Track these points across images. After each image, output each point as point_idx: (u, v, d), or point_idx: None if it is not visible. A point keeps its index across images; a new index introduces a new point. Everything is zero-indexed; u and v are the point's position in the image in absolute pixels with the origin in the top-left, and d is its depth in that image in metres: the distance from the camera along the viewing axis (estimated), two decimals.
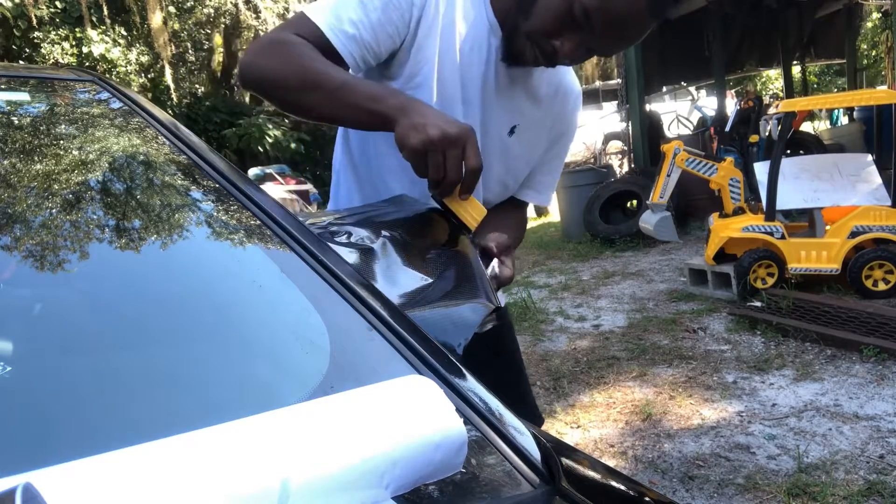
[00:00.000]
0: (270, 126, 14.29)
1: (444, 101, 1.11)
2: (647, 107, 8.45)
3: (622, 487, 0.60)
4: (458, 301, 0.80)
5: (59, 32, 12.82)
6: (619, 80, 8.56)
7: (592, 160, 9.87)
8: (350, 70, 1.06)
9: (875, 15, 11.36)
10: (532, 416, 1.44)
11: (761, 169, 4.37)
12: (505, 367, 1.39)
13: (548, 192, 1.36)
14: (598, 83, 16.50)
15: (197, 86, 16.89)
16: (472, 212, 1.00)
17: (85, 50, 12.78)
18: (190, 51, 16.22)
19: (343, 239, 0.87)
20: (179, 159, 0.85)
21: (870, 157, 4.48)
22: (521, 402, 1.42)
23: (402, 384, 0.51)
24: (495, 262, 1.05)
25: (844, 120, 10.46)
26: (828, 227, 4.20)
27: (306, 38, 1.02)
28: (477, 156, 0.93)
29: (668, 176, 4.51)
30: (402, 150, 0.93)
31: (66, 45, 12.83)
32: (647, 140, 7.82)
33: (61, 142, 0.86)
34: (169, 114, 1.10)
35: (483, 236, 1.10)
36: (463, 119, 1.11)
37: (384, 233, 0.90)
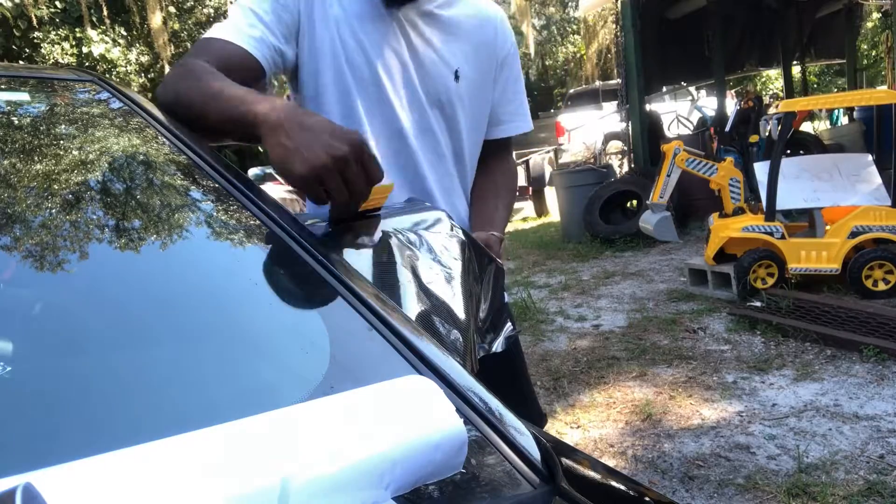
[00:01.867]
0: None
1: (361, 83, 1.12)
2: (647, 107, 8.45)
3: (622, 487, 0.60)
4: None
5: (59, 32, 12.82)
6: (619, 80, 8.56)
7: (592, 160, 9.87)
8: (266, 76, 1.09)
9: (875, 15, 11.36)
10: (536, 416, 1.45)
11: (761, 169, 4.37)
12: (507, 365, 1.39)
13: (521, 119, 1.34)
14: (598, 83, 16.50)
15: None
16: (376, 197, 0.87)
17: (85, 50, 12.78)
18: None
19: (343, 239, 0.87)
20: (179, 159, 0.85)
21: (870, 157, 4.48)
22: (523, 401, 1.42)
23: (402, 384, 0.51)
24: None
25: (844, 120, 10.46)
26: (828, 227, 4.20)
27: (215, 57, 1.03)
28: (376, 165, 0.81)
29: (668, 176, 4.52)
30: (287, 179, 0.81)
31: (66, 45, 12.83)
32: (647, 140, 7.82)
33: (61, 142, 0.86)
34: None
35: (472, 228, 1.15)
36: (394, 89, 1.13)
37: (384, 233, 0.90)
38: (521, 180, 9.08)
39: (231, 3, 14.06)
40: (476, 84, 1.22)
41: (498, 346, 0.97)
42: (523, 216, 9.81)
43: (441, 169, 1.23)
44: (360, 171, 0.80)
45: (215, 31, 1.09)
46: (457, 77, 1.18)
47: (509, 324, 1.03)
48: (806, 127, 9.41)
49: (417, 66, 1.15)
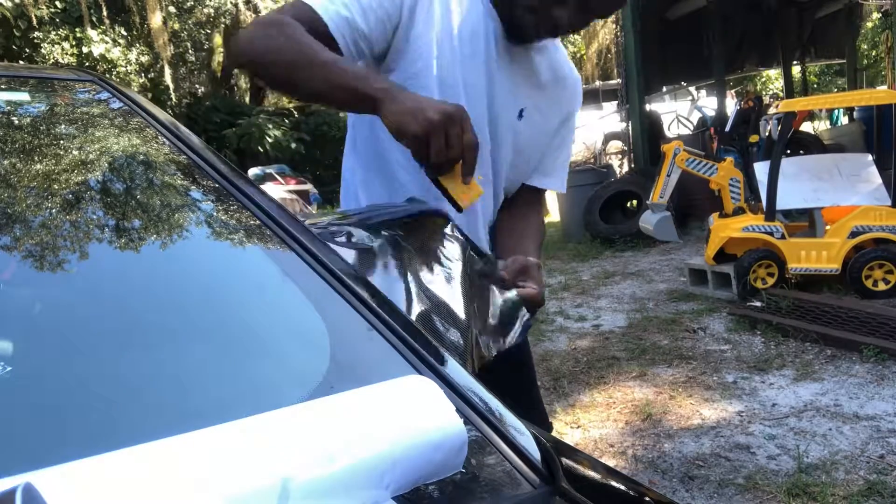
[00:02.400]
0: (270, 126, 14.29)
1: (445, 88, 1.13)
2: (647, 107, 8.45)
3: (622, 487, 0.60)
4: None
5: (59, 32, 12.81)
6: (619, 80, 8.56)
7: (592, 160, 9.87)
8: (343, 55, 1.08)
9: (875, 15, 11.36)
10: (541, 423, 1.44)
11: (761, 169, 4.37)
12: (516, 371, 1.39)
13: (561, 176, 1.35)
14: (598, 83, 16.50)
15: (197, 86, 16.90)
16: (469, 192, 1.00)
17: (85, 50, 12.78)
18: (190, 51, 16.22)
19: (343, 239, 0.87)
20: (179, 159, 0.85)
21: (870, 157, 4.48)
22: (531, 407, 1.42)
23: (402, 384, 0.51)
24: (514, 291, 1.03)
25: (844, 120, 10.46)
26: (828, 227, 4.20)
27: (300, 21, 1.04)
28: (473, 132, 0.94)
29: (668, 176, 4.51)
30: (402, 138, 0.94)
31: (66, 45, 12.82)
32: (647, 140, 7.82)
33: (61, 142, 0.86)
34: (169, 114, 1.10)
35: (503, 257, 1.12)
36: (468, 104, 1.12)
37: (385, 234, 0.90)
38: None
39: (231, 3, 14.09)
40: (537, 128, 1.25)
41: (515, 336, 0.96)
42: None
43: None
44: (459, 132, 0.92)
45: None
46: (520, 115, 1.22)
47: (524, 311, 1.01)
48: (806, 127, 9.41)
49: (490, 92, 1.17)
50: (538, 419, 1.43)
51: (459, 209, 1.01)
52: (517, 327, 0.97)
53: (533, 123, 1.24)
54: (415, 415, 0.48)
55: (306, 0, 1.07)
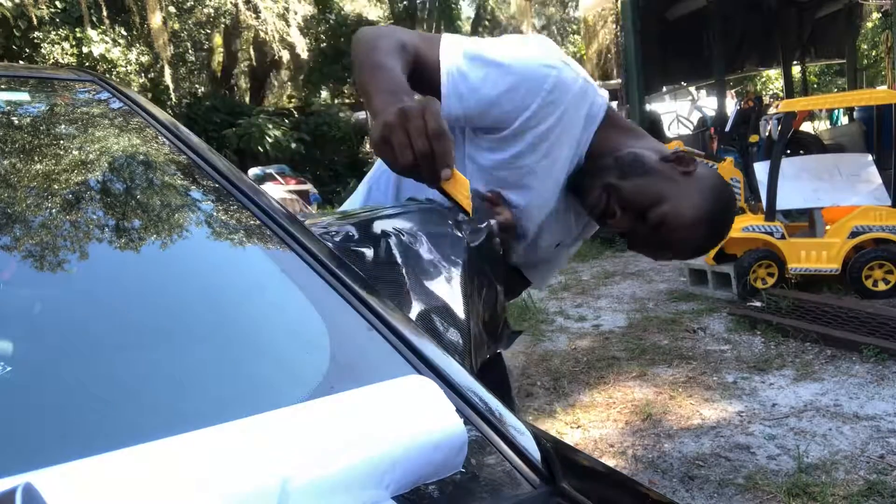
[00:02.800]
0: (270, 126, 14.29)
1: (538, 209, 1.14)
2: (647, 107, 8.45)
3: (622, 487, 0.60)
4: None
5: (59, 32, 12.81)
6: (619, 80, 8.55)
7: None
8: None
9: (875, 15, 11.35)
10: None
11: (761, 169, 4.37)
12: (493, 369, 1.37)
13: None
14: (598, 83, 16.48)
15: (197, 86, 16.90)
16: (460, 189, 0.91)
17: (85, 50, 12.78)
18: (190, 51, 16.22)
19: (343, 239, 0.87)
20: (179, 159, 0.85)
21: (870, 157, 4.48)
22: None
23: (402, 384, 0.51)
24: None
25: (844, 120, 10.46)
26: (828, 227, 4.20)
27: (418, 54, 0.99)
28: (437, 119, 0.81)
29: None
30: (374, 151, 0.87)
31: (66, 45, 12.82)
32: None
33: (61, 142, 0.86)
34: (169, 114, 1.10)
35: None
36: (536, 225, 1.17)
37: (384, 234, 0.90)
38: None
39: (231, 3, 14.09)
40: (562, 249, 1.33)
41: (503, 344, 0.97)
42: None
43: None
44: (421, 126, 0.81)
45: (450, 44, 1.02)
46: (557, 246, 1.27)
47: (509, 325, 1.03)
48: (806, 127, 9.41)
49: (546, 224, 1.18)
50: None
51: (468, 214, 0.95)
52: (504, 338, 0.98)
53: (561, 249, 1.32)
54: (415, 415, 0.48)
55: (441, 47, 1.00)
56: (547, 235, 1.21)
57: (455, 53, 1.00)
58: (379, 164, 1.22)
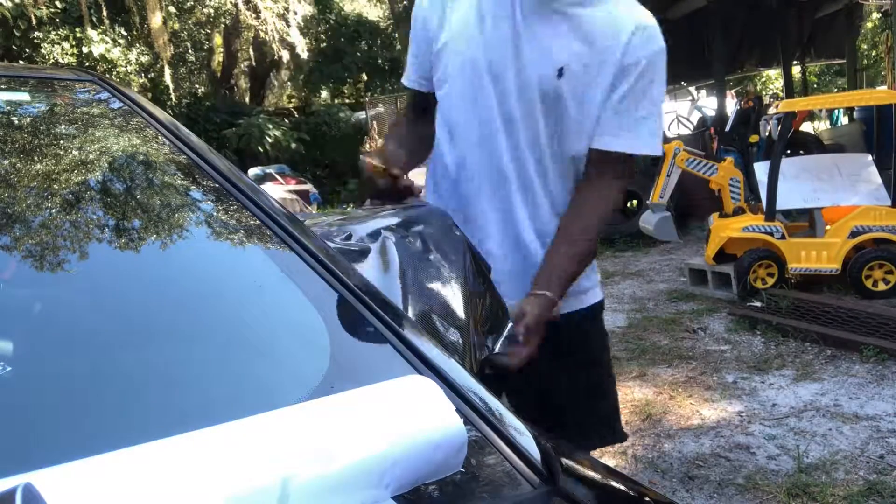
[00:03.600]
0: (270, 126, 14.29)
1: (473, 72, 1.17)
2: None
3: (622, 487, 0.60)
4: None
5: (59, 32, 12.81)
6: None
7: None
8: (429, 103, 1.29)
9: (875, 15, 11.35)
10: (604, 433, 1.39)
11: (761, 169, 4.37)
12: (580, 369, 1.31)
13: (633, 135, 1.17)
14: None
15: (197, 86, 16.89)
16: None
17: (85, 50, 12.77)
18: (190, 51, 16.22)
19: (343, 239, 0.87)
20: (179, 159, 0.85)
21: (870, 157, 4.48)
22: (590, 413, 1.34)
23: (402, 384, 0.51)
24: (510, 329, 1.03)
25: (844, 120, 10.45)
26: (828, 227, 4.20)
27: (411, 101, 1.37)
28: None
29: (668, 176, 4.52)
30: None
31: (66, 45, 12.82)
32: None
33: (61, 142, 0.86)
34: (169, 114, 1.10)
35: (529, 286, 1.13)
36: (493, 81, 1.16)
37: (384, 234, 0.90)
38: None
39: (231, 3, 14.09)
40: (585, 85, 1.14)
41: (499, 346, 0.97)
42: None
43: (503, 190, 1.21)
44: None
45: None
46: (560, 74, 1.13)
47: (510, 323, 1.02)
48: (806, 127, 9.41)
49: (517, 57, 1.14)
50: (599, 428, 1.36)
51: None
52: (502, 337, 0.98)
53: (578, 80, 1.14)
54: (415, 415, 0.48)
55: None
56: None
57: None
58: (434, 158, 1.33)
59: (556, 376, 1.24)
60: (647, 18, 1.18)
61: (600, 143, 1.17)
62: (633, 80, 1.15)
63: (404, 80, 1.33)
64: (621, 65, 1.14)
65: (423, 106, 1.31)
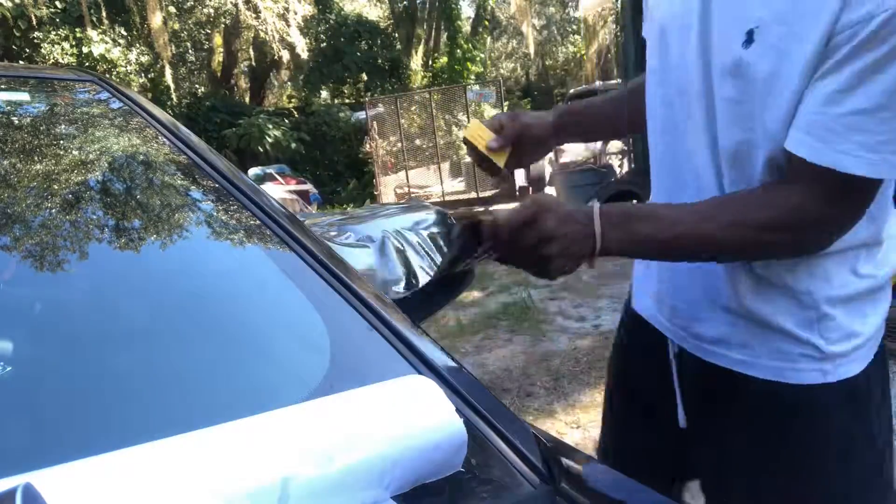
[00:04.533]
0: (270, 126, 14.30)
1: (649, 38, 0.88)
2: None
3: (622, 487, 0.60)
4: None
5: (59, 32, 12.82)
6: (619, 80, 8.56)
7: (592, 160, 9.87)
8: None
9: None
10: None
11: None
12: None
13: (821, 136, 0.71)
14: (597, 83, 16.49)
15: (197, 86, 16.90)
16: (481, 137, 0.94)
17: (85, 50, 12.78)
18: (190, 51, 16.23)
19: (343, 239, 0.87)
20: (179, 159, 0.85)
21: None
22: None
23: (402, 384, 0.51)
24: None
25: None
26: None
27: None
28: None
29: None
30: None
31: (66, 45, 12.83)
32: (647, 140, 7.82)
33: (61, 142, 0.86)
34: (169, 114, 1.10)
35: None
36: (679, 49, 0.82)
37: (384, 233, 0.90)
38: (522, 180, 9.09)
39: (231, 3, 14.10)
40: (781, 54, 0.72)
41: (450, 256, 0.85)
42: None
43: (681, 180, 0.88)
44: None
45: None
46: (749, 40, 0.74)
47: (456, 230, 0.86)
48: None
49: (704, 16, 0.78)
50: None
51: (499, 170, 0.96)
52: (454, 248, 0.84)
53: (771, 47, 0.72)
54: (415, 414, 0.48)
55: None
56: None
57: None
58: None
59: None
60: None
61: (790, 143, 0.74)
62: (865, 53, 0.67)
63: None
64: (844, 25, 0.68)
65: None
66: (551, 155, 10.25)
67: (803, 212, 0.74)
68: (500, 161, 0.94)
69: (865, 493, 0.85)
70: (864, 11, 0.66)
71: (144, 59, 13.85)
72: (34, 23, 12.42)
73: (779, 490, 0.86)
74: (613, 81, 13.66)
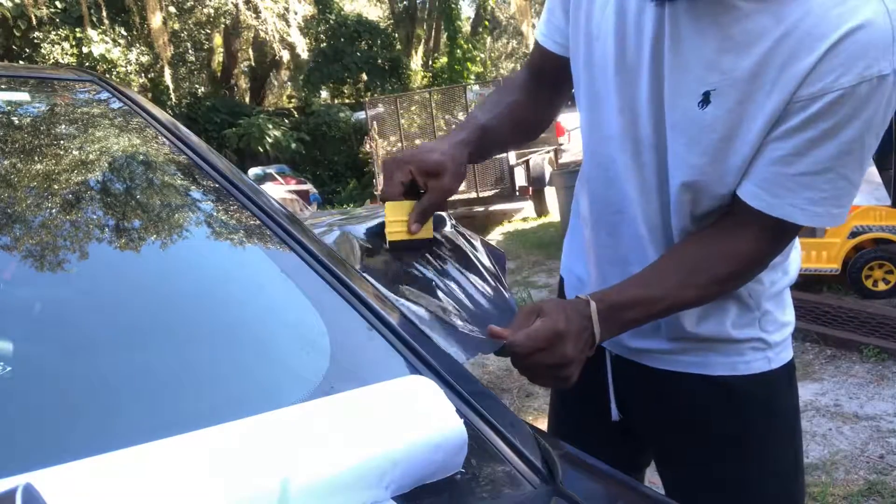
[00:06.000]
0: (270, 126, 14.29)
1: (595, 103, 0.90)
2: None
3: (622, 487, 0.60)
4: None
5: (59, 32, 12.81)
6: None
7: None
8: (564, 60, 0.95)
9: None
10: None
11: None
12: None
13: (782, 196, 0.78)
14: None
15: (197, 86, 16.89)
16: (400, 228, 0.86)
17: (85, 50, 12.78)
18: (190, 51, 16.22)
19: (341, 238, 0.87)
20: (179, 159, 0.85)
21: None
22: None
23: (402, 384, 0.51)
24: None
25: None
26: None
27: (529, 61, 1.06)
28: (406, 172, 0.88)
29: None
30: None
31: (66, 45, 12.83)
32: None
33: (61, 142, 0.86)
34: (169, 114, 1.10)
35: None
36: (627, 98, 0.85)
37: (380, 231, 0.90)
38: (522, 180, 9.08)
39: (231, 3, 14.10)
40: (729, 114, 0.77)
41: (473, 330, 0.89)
42: (523, 216, 9.81)
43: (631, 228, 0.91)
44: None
45: None
46: (705, 102, 0.78)
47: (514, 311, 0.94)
48: None
49: (654, 75, 0.81)
50: None
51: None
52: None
53: (729, 111, 0.77)
54: (415, 415, 0.48)
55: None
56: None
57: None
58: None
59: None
60: (863, 19, 0.70)
61: (741, 190, 0.81)
62: (821, 124, 0.74)
63: (538, 36, 1.00)
64: (803, 97, 0.74)
65: (556, 70, 0.98)
66: (551, 155, 10.25)
67: (756, 257, 0.84)
68: (428, 232, 0.89)
69: (800, 462, 1.00)
70: (818, 88, 0.73)
71: (144, 59, 13.85)
72: (34, 23, 12.41)
73: (735, 477, 0.96)
74: None
